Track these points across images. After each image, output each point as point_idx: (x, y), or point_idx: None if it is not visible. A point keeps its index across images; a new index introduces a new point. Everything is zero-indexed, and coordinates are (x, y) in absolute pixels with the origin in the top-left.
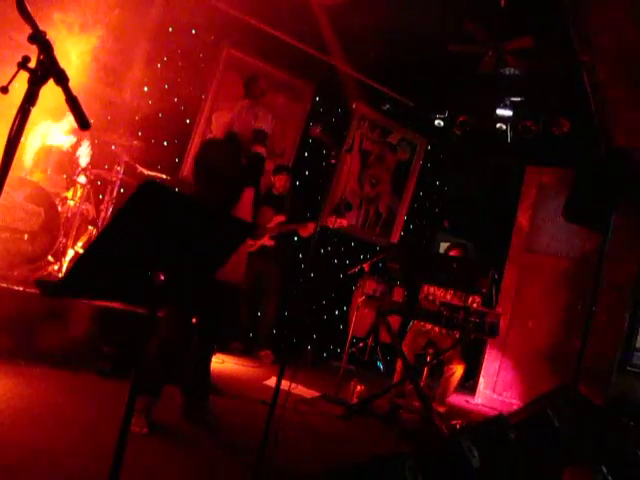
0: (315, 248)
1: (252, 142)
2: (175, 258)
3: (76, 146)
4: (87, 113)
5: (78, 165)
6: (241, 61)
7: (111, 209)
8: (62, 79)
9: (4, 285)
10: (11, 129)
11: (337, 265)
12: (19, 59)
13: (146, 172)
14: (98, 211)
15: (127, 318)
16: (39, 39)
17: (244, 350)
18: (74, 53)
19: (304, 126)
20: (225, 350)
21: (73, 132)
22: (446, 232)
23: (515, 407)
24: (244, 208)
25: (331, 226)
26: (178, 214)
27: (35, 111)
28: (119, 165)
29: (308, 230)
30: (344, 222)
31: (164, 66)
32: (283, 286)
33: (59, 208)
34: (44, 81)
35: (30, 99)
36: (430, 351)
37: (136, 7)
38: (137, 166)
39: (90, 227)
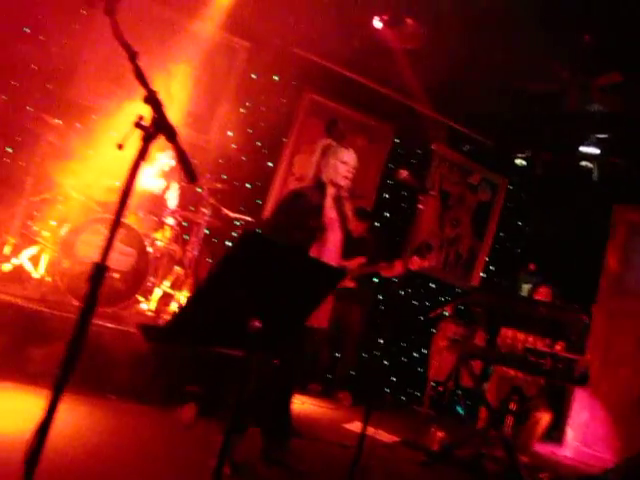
0: (395, 290)
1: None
2: (272, 305)
3: (165, 189)
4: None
5: (167, 207)
6: (321, 105)
7: (197, 250)
8: (172, 136)
9: (98, 322)
10: (125, 181)
11: (417, 307)
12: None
13: (231, 214)
14: (184, 252)
15: (211, 359)
16: (153, 100)
17: (322, 391)
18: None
19: (384, 168)
20: (304, 391)
21: (163, 176)
22: (529, 273)
23: (608, 463)
24: (333, 252)
25: (413, 268)
26: (277, 263)
27: (127, 156)
28: (205, 207)
29: (391, 271)
30: (426, 263)
31: (248, 111)
32: (363, 328)
33: (149, 249)
34: (155, 138)
35: (143, 155)
36: (515, 398)
37: (221, 55)
38: (222, 208)
39: (176, 267)
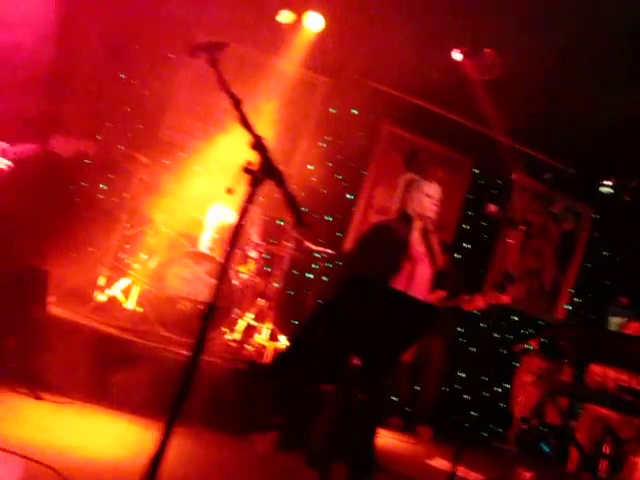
0: (476, 322)
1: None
2: (371, 343)
3: (249, 223)
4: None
5: (251, 241)
6: (400, 137)
7: (279, 282)
8: (281, 181)
9: (183, 352)
10: (235, 224)
11: (499, 340)
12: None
13: (313, 247)
14: (267, 284)
15: (295, 391)
16: (259, 146)
17: (402, 425)
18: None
19: (464, 199)
20: (383, 425)
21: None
22: (619, 307)
23: None
24: (422, 286)
25: (495, 302)
26: (379, 303)
27: (213, 191)
28: (288, 240)
29: (472, 304)
30: (507, 298)
31: (328, 145)
32: (444, 361)
33: (234, 282)
34: (263, 182)
35: (251, 199)
36: (608, 439)
37: (302, 91)
38: (304, 241)
39: (260, 299)
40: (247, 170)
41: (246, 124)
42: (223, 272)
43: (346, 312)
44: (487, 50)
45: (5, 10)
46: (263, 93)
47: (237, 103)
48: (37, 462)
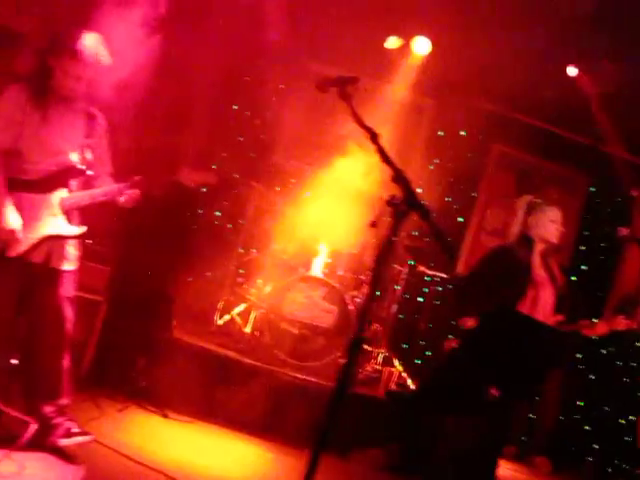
0: (597, 349)
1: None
2: (510, 372)
3: (364, 248)
4: (371, 215)
5: (365, 265)
6: (511, 157)
7: (393, 307)
8: (425, 215)
9: (299, 375)
10: (377, 257)
11: (622, 368)
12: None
13: (427, 271)
14: (380, 308)
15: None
16: (400, 179)
17: (517, 455)
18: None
19: (580, 219)
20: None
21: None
22: None
23: None
24: (546, 311)
25: (619, 328)
26: (522, 334)
27: (325, 216)
28: (401, 265)
29: (593, 330)
30: (630, 324)
31: (436, 167)
32: (561, 389)
33: (349, 306)
34: (407, 216)
35: (395, 232)
36: None
37: (409, 114)
38: (418, 265)
39: (374, 324)
40: (390, 203)
41: (385, 157)
42: (368, 301)
43: (490, 343)
44: (605, 62)
45: (118, 48)
46: (372, 119)
47: (374, 136)
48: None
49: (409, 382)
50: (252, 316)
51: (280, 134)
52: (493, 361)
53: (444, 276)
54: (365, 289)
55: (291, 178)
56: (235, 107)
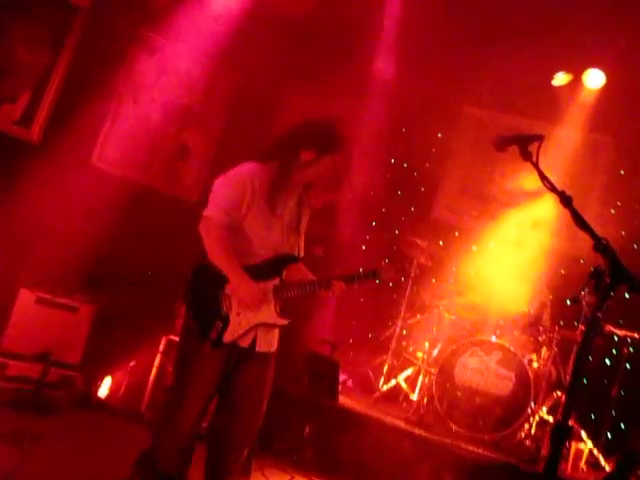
0: None
1: None
2: None
3: (541, 307)
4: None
5: (542, 325)
6: None
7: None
8: (636, 287)
9: (475, 450)
10: (583, 338)
11: None
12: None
13: (616, 330)
14: (561, 373)
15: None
16: (603, 248)
17: None
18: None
19: None
20: None
21: (534, 296)
22: None
23: None
24: None
25: None
26: None
27: (495, 273)
28: (583, 323)
29: None
30: None
31: (618, 211)
32: None
33: (529, 373)
34: (614, 289)
35: (600, 306)
36: None
37: (583, 155)
38: (605, 324)
39: (555, 392)
40: (594, 275)
41: (581, 223)
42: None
43: None
44: None
45: None
46: (543, 164)
47: (566, 201)
48: None
49: (602, 461)
50: (420, 382)
51: (440, 186)
52: None
53: (636, 336)
54: (545, 353)
55: (455, 231)
56: (392, 160)
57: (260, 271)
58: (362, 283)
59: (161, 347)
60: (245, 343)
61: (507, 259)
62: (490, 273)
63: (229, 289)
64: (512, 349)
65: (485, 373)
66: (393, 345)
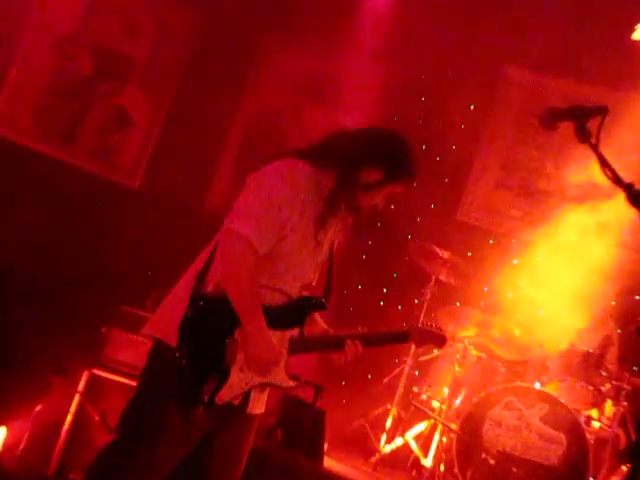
0: None
1: None
2: None
3: (604, 345)
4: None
5: (606, 370)
6: None
7: None
8: None
9: None
10: None
11: None
12: None
13: None
14: (631, 437)
15: None
16: None
17: None
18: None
19: None
20: None
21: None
22: None
23: None
24: None
25: None
26: None
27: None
28: None
29: None
30: None
31: None
32: None
33: (587, 435)
34: None
35: None
36: None
37: None
38: None
39: (622, 465)
40: None
41: None
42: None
43: None
44: None
45: None
46: (610, 146)
47: (635, 198)
48: None
49: None
50: (435, 442)
51: (471, 176)
52: None
53: None
54: (610, 408)
55: (489, 238)
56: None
57: (281, 317)
58: (385, 345)
59: (81, 385)
60: (237, 400)
61: (560, 277)
62: (536, 296)
63: (239, 335)
64: (563, 401)
65: (525, 433)
66: (400, 390)
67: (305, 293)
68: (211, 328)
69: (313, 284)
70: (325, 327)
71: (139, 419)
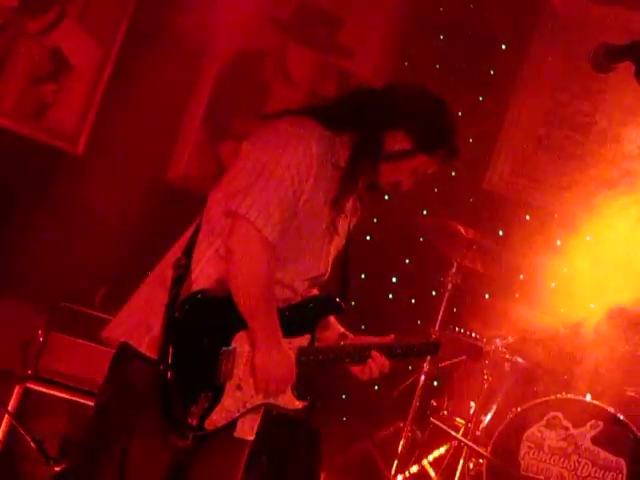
0: None
1: None
2: None
3: None
4: None
5: None
6: None
7: None
8: None
9: None
10: None
11: None
12: None
13: None
14: None
15: None
16: None
17: None
18: None
19: None
20: None
21: None
22: None
23: None
24: None
25: None
26: None
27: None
28: None
29: None
30: None
31: None
32: None
33: None
34: None
35: None
36: None
37: None
38: None
39: None
40: None
41: None
42: None
43: None
44: None
45: None
46: None
47: None
48: None
49: None
50: (460, 469)
51: (502, 136)
52: None
53: None
54: None
55: (525, 214)
56: None
57: (288, 321)
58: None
59: (11, 403)
60: (225, 422)
61: (616, 262)
62: (585, 285)
63: (238, 342)
64: (622, 418)
65: (574, 458)
66: (415, 404)
67: (315, 291)
68: (204, 334)
69: (325, 278)
70: (342, 331)
71: (100, 447)
